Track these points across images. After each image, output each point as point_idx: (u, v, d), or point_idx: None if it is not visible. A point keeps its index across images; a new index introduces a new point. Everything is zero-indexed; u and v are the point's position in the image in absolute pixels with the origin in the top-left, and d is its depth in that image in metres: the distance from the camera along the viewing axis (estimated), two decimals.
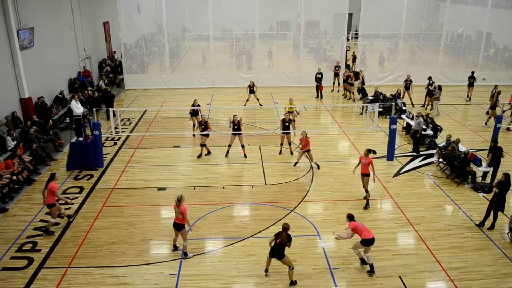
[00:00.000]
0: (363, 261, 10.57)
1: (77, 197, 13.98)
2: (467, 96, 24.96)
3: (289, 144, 17.17)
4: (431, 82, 23.02)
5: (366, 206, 13.31)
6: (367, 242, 10.03)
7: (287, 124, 16.73)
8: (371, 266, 10.32)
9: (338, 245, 11.46)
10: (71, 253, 11.15)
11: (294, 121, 17.12)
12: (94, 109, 17.32)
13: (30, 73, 19.39)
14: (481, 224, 12.24)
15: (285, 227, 9.76)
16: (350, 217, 10.33)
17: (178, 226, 10.69)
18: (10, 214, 13.08)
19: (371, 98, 22.69)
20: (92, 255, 11.11)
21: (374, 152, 13.37)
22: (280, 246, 9.72)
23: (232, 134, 16.57)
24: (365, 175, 13.22)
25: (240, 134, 16.52)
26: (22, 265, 10.70)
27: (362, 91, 23.27)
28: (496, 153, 14.56)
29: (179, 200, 10.46)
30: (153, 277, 10.31)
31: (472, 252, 11.19)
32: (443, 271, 10.44)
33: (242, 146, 16.77)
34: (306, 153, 15.47)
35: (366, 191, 13.35)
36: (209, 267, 10.65)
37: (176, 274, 10.38)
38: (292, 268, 9.88)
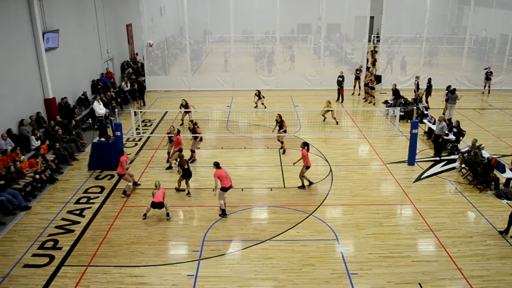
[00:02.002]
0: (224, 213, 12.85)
1: (98, 197, 14.19)
2: (484, 87, 27.02)
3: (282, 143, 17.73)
4: (417, 81, 24.00)
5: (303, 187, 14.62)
6: (224, 189, 12.58)
7: (278, 124, 17.55)
8: (223, 211, 12.86)
9: (357, 250, 11.37)
10: (91, 252, 11.32)
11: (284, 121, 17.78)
12: (112, 108, 17.51)
13: (55, 74, 19.79)
14: (505, 232, 11.96)
15: (180, 156, 14.00)
16: (216, 165, 12.72)
17: (160, 205, 12.58)
18: (32, 212, 13.35)
19: (391, 102, 22.47)
20: (112, 254, 11.25)
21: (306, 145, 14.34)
22: (188, 168, 13.95)
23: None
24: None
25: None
26: (44, 263, 10.90)
27: (395, 93, 22.78)
28: None
29: (159, 186, 12.78)
30: (171, 277, 10.38)
31: (495, 260, 10.94)
32: (464, 279, 10.24)
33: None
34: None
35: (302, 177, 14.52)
36: (226, 269, 10.67)
37: (193, 275, 10.44)
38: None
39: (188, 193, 14.25)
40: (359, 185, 14.95)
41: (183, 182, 14.33)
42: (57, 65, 20.20)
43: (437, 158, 16.89)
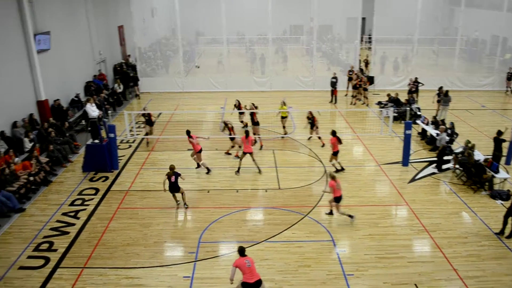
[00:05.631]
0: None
1: (92, 199, 14.11)
2: (506, 88, 26.95)
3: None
4: (410, 83, 23.83)
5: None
6: (245, 285, 9.18)
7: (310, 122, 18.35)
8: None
9: (353, 251, 11.40)
10: (87, 254, 11.26)
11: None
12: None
13: (47, 76, 19.59)
14: (501, 233, 12.03)
15: (171, 167, 13.12)
16: (240, 252, 9.28)
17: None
18: (27, 214, 13.24)
19: (384, 103, 22.58)
20: (107, 256, 11.20)
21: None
22: (175, 182, 12.99)
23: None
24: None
25: None
26: (39, 265, 10.84)
27: (396, 101, 22.21)
28: None
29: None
30: (167, 279, 10.36)
31: (490, 261, 11.01)
32: (460, 280, 10.30)
33: None
34: None
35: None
36: (222, 270, 10.65)
37: (189, 277, 10.41)
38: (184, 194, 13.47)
39: (185, 205, 13.43)
40: (354, 186, 14.99)
41: (178, 196, 13.48)
42: (49, 67, 20.02)
43: (437, 171, 16.27)
